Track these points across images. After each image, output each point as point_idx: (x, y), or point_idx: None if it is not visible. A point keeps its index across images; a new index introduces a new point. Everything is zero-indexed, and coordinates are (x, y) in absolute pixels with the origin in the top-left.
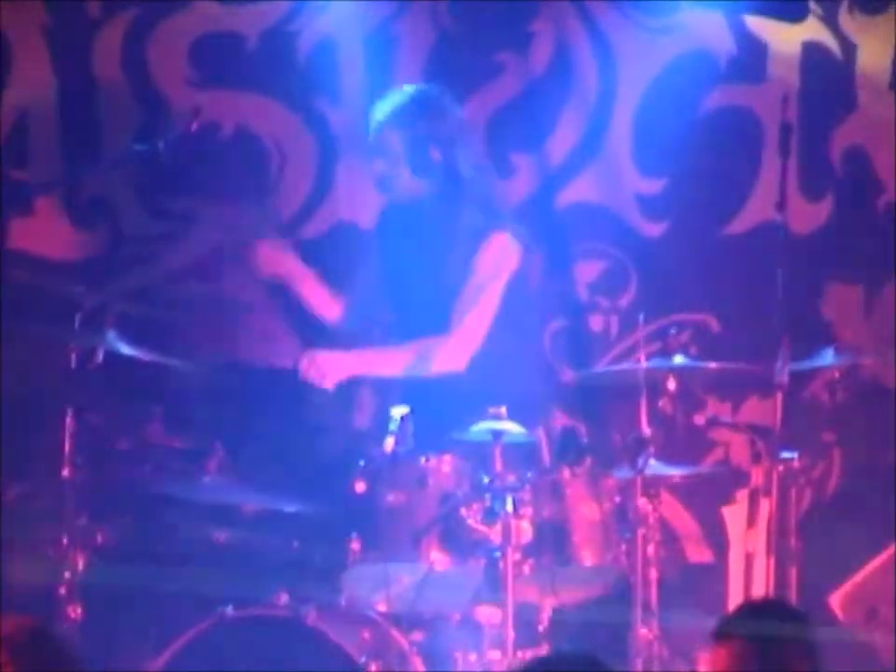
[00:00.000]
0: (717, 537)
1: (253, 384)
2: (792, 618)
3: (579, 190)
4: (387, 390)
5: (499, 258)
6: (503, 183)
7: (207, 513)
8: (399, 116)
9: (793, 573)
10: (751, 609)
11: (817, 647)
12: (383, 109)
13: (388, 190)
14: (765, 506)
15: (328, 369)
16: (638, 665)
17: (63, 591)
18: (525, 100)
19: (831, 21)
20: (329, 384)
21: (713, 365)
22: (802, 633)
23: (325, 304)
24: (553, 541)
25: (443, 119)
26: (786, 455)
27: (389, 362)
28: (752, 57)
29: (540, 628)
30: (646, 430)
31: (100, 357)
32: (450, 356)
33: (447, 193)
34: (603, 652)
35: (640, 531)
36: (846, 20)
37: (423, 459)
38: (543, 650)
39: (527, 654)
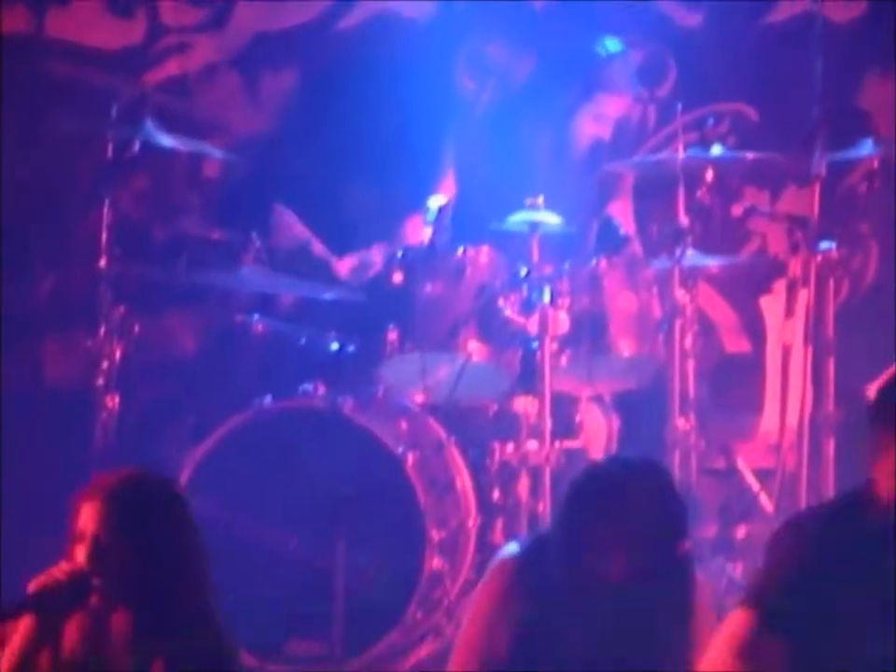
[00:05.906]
0: (754, 327)
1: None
2: None
3: None
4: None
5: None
6: None
7: (244, 304)
8: None
9: (830, 364)
10: None
11: None
12: None
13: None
14: (803, 296)
15: None
16: (676, 456)
17: (100, 381)
18: None
19: None
20: None
21: (751, 155)
22: None
23: None
24: (590, 332)
25: None
26: (824, 245)
27: None
28: None
29: (577, 418)
30: (683, 221)
31: (136, 147)
32: None
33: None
34: (639, 445)
35: (678, 322)
36: None
37: (460, 250)
38: (579, 440)
39: (564, 444)
